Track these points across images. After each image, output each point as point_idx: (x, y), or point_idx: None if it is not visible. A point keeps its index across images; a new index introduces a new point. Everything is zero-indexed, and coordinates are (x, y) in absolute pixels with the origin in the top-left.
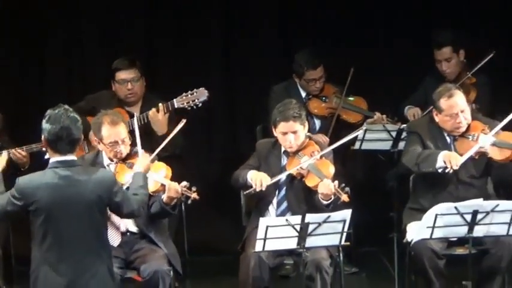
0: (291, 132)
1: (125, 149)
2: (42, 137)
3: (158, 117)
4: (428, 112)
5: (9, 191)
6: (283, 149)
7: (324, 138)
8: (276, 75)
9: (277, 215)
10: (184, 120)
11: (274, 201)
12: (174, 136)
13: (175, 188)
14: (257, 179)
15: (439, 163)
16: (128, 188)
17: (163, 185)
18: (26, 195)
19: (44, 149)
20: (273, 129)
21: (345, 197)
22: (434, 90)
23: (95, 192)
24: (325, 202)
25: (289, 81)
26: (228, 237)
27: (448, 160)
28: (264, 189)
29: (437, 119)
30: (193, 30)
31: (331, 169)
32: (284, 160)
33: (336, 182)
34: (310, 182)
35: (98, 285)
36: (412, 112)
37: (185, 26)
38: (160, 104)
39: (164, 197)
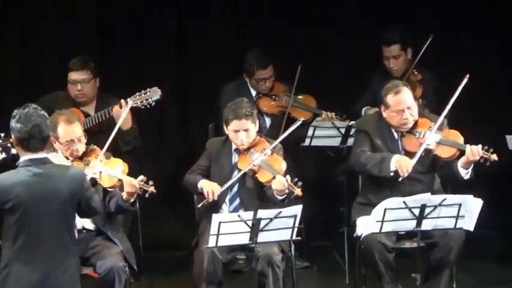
0: (242, 130)
1: (81, 147)
2: (13, 136)
3: (122, 113)
4: None
5: None
6: (234, 147)
7: None
8: (228, 74)
9: (230, 212)
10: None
11: (227, 198)
12: (132, 129)
13: (133, 183)
14: (209, 190)
15: (392, 168)
16: None
17: (120, 180)
18: (2, 193)
19: None
20: (225, 127)
21: (298, 191)
22: (382, 86)
23: (68, 188)
24: (280, 197)
25: (239, 80)
26: (182, 233)
27: (399, 166)
28: (216, 198)
29: (384, 114)
30: (147, 29)
31: (283, 165)
32: (235, 157)
33: (288, 177)
34: (262, 178)
35: (69, 280)
36: (370, 113)
37: (139, 24)
38: (122, 100)
39: (124, 194)
